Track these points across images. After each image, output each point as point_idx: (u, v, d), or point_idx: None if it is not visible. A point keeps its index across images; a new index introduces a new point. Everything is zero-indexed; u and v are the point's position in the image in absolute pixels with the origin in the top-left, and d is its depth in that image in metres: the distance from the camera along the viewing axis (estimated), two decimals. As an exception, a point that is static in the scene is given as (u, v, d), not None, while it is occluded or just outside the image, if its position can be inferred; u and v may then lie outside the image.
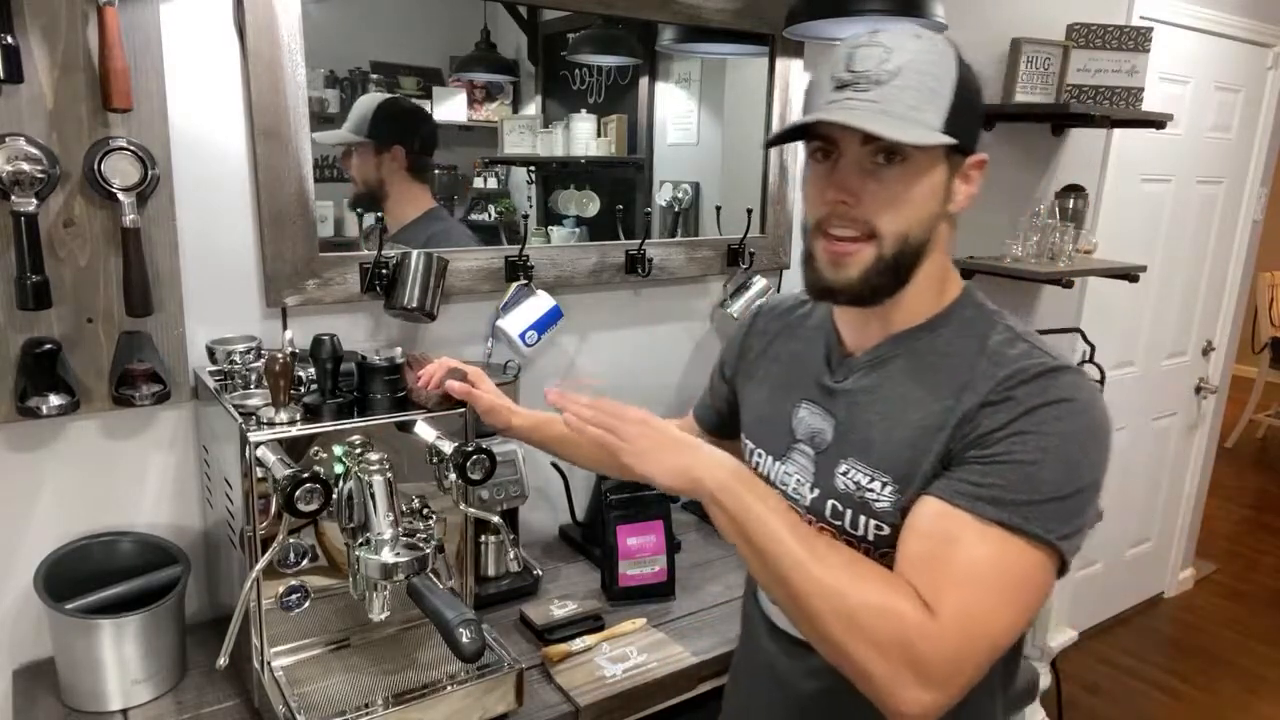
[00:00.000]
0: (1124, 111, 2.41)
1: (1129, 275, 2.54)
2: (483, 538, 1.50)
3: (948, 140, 0.84)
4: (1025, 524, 0.80)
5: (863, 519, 0.93)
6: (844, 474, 0.94)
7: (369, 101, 1.59)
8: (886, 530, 0.90)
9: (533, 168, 1.85)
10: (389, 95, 1.62)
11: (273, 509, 1.08)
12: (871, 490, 0.92)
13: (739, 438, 1.18)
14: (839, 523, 0.96)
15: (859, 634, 0.78)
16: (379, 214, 1.59)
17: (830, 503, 0.96)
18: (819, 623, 0.81)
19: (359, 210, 1.59)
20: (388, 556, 1.06)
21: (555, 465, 1.72)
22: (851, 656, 0.79)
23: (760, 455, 1.07)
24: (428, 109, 1.67)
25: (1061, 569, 0.83)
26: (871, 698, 0.80)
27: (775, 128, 1.90)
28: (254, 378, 1.27)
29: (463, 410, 1.22)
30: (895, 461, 0.90)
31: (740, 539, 0.87)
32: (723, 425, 1.24)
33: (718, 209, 1.92)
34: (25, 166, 1.12)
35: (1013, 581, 0.80)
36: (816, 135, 0.89)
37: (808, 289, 0.96)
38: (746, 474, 0.89)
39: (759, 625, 1.12)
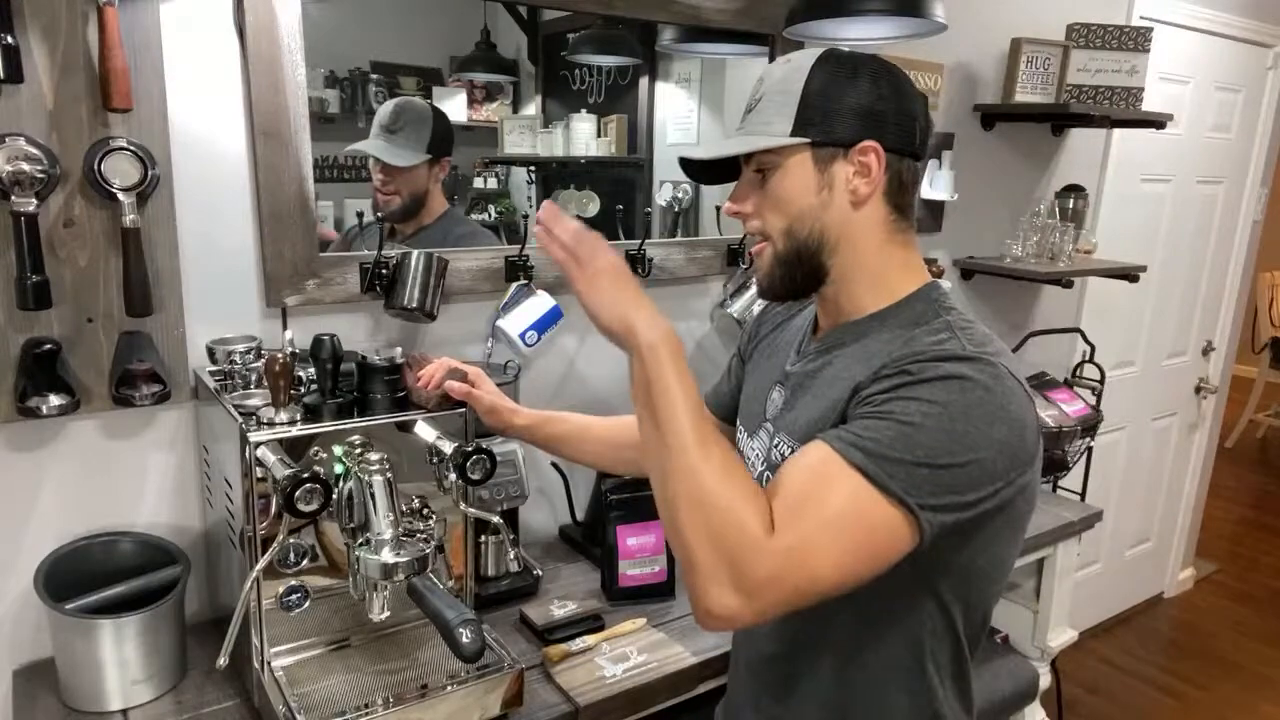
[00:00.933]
0: (1124, 111, 2.41)
1: (1129, 275, 2.54)
2: (483, 538, 1.50)
3: (777, 142, 0.94)
4: (888, 481, 0.82)
5: None
6: (776, 447, 1.03)
7: (422, 112, 1.59)
8: None
9: (533, 168, 1.85)
10: (428, 103, 1.62)
11: (273, 509, 1.08)
12: None
13: None
14: None
15: (701, 524, 0.83)
16: (379, 215, 1.59)
17: (765, 475, 1.05)
18: (673, 502, 0.85)
19: (382, 220, 1.57)
20: (388, 556, 1.06)
21: (555, 465, 1.72)
22: (688, 542, 0.84)
23: (740, 431, 1.16)
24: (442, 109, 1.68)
25: (920, 538, 0.84)
26: (688, 589, 0.85)
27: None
28: (254, 378, 1.27)
29: (463, 410, 1.22)
30: (809, 434, 0.93)
31: (644, 402, 0.89)
32: (729, 411, 1.27)
33: (718, 209, 1.92)
34: (25, 166, 1.12)
35: (855, 528, 0.83)
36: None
37: None
38: (676, 340, 0.90)
39: None
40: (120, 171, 1.20)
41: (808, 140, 0.94)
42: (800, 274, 0.99)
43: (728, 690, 1.23)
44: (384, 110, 1.56)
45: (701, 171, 1.06)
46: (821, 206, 0.96)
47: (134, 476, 1.36)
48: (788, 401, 1.05)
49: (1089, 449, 2.19)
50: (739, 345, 1.30)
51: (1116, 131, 2.72)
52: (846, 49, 0.99)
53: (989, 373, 0.87)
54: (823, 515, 0.83)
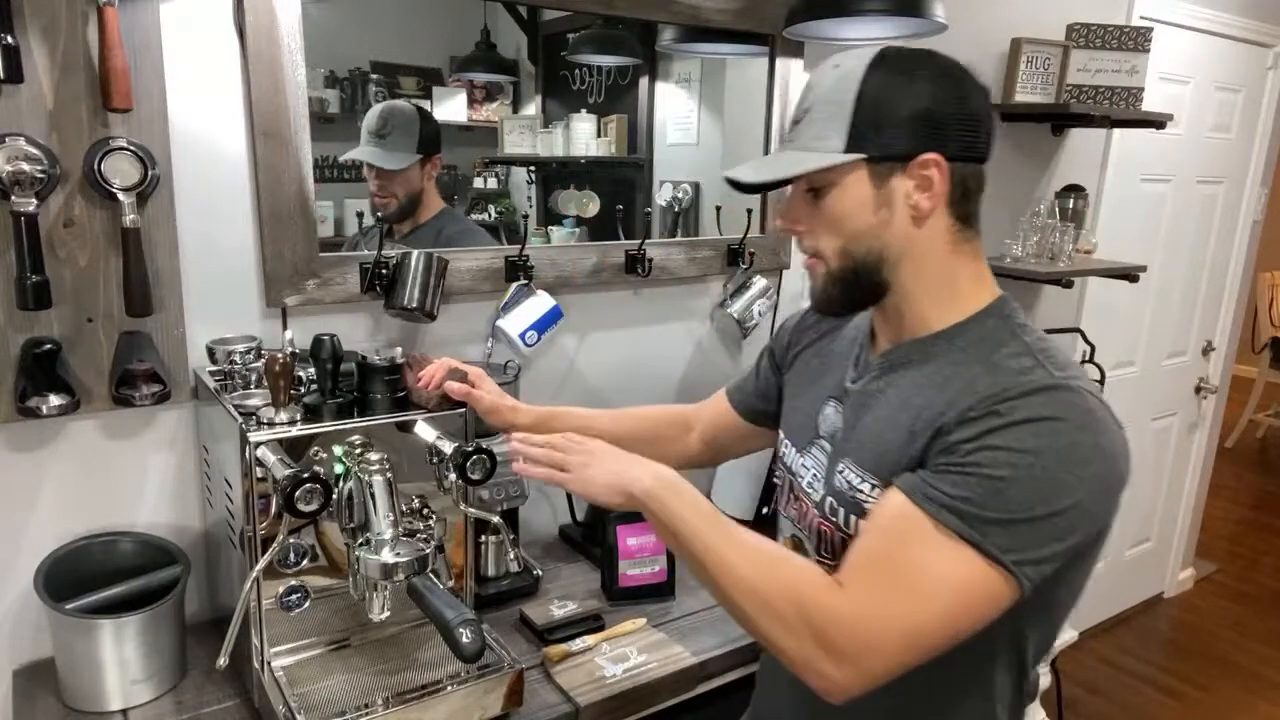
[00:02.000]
0: (1124, 111, 2.41)
1: (1129, 275, 2.54)
2: (483, 538, 1.50)
3: (830, 160, 0.88)
4: (982, 540, 0.79)
5: (853, 519, 0.95)
6: (841, 473, 0.97)
7: (408, 115, 1.61)
8: None
9: (533, 168, 1.85)
10: (412, 104, 1.63)
11: (273, 509, 1.08)
12: (861, 491, 0.94)
13: (770, 428, 1.22)
14: (835, 519, 0.98)
15: (767, 612, 0.83)
16: (379, 215, 1.60)
17: (829, 500, 0.99)
18: (734, 604, 0.86)
19: (382, 221, 1.59)
20: (388, 556, 1.06)
21: (555, 465, 1.72)
22: (766, 635, 0.84)
23: (786, 445, 1.11)
24: (428, 109, 1.68)
25: (1021, 593, 0.80)
26: (798, 676, 0.83)
27: (776, 128, 1.90)
28: (254, 378, 1.27)
29: (463, 410, 1.22)
30: (881, 465, 0.91)
31: (671, 541, 0.93)
32: (755, 412, 1.26)
33: (718, 209, 1.92)
34: (25, 166, 1.12)
35: (952, 594, 0.80)
36: None
37: None
38: (671, 477, 0.95)
39: None
40: (120, 171, 1.20)
41: (863, 156, 0.88)
42: (858, 291, 0.95)
43: (756, 704, 1.22)
44: (371, 117, 1.57)
45: (750, 185, 1.00)
46: (880, 224, 0.90)
47: (134, 476, 1.36)
48: (848, 421, 0.99)
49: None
50: (773, 351, 1.24)
51: (1116, 131, 2.72)
52: (902, 47, 0.91)
53: (1079, 406, 0.82)
54: (917, 582, 0.80)
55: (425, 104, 1.67)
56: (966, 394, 0.85)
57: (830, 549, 1.00)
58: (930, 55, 0.90)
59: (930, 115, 0.87)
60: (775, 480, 1.16)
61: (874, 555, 0.84)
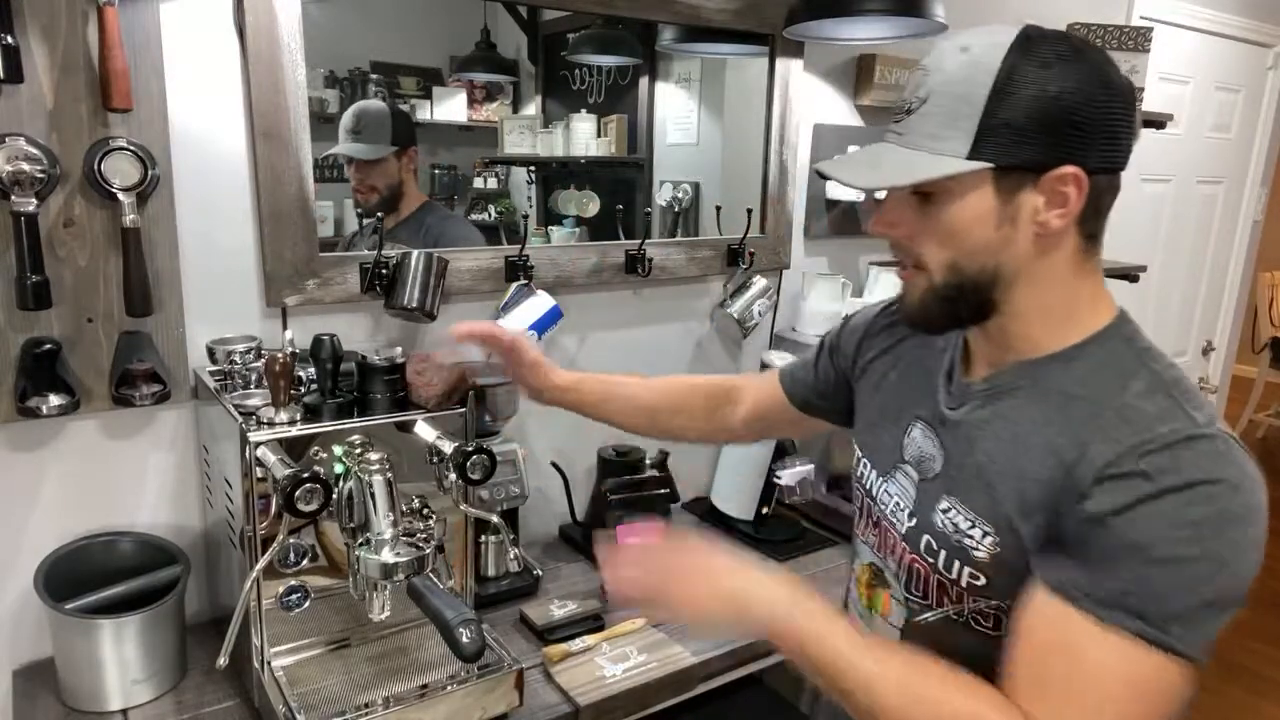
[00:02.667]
0: (1124, 111, 2.40)
1: (1129, 275, 2.54)
2: (483, 538, 1.50)
3: (952, 168, 0.76)
4: (1164, 637, 0.70)
5: (957, 564, 0.85)
6: (944, 512, 0.87)
7: (380, 111, 1.62)
8: (982, 581, 0.84)
9: (533, 168, 1.85)
10: (385, 101, 1.65)
11: (273, 509, 1.08)
12: (971, 537, 0.84)
13: (824, 419, 1.16)
14: (932, 560, 0.88)
15: None
16: (378, 215, 1.60)
17: (926, 538, 0.89)
18: None
19: (364, 215, 1.61)
20: (388, 556, 1.06)
21: (555, 465, 1.72)
22: None
23: (865, 466, 1.02)
24: (430, 112, 1.69)
25: (1198, 670, 0.73)
26: None
27: (775, 128, 1.90)
28: (254, 378, 1.27)
29: (463, 410, 1.22)
30: (999, 513, 0.82)
31: (811, 670, 0.79)
32: (811, 405, 1.18)
33: (718, 209, 1.92)
34: (25, 166, 1.12)
35: (1148, 698, 0.71)
36: None
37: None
38: (802, 596, 0.80)
39: None
40: (120, 171, 1.20)
41: (990, 166, 0.76)
42: (964, 310, 0.83)
43: None
44: (346, 116, 1.59)
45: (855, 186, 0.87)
46: (1001, 242, 0.79)
47: (134, 476, 1.36)
48: (950, 455, 0.88)
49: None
50: (837, 350, 1.13)
51: (1116, 131, 2.71)
52: (1045, 30, 0.77)
53: (1229, 460, 0.73)
54: (1108, 694, 0.71)
55: (425, 104, 1.67)
56: (1101, 443, 0.75)
57: (922, 588, 0.91)
58: (1073, 42, 0.76)
59: (1073, 120, 0.75)
60: (852, 496, 1.07)
61: (1047, 675, 0.73)
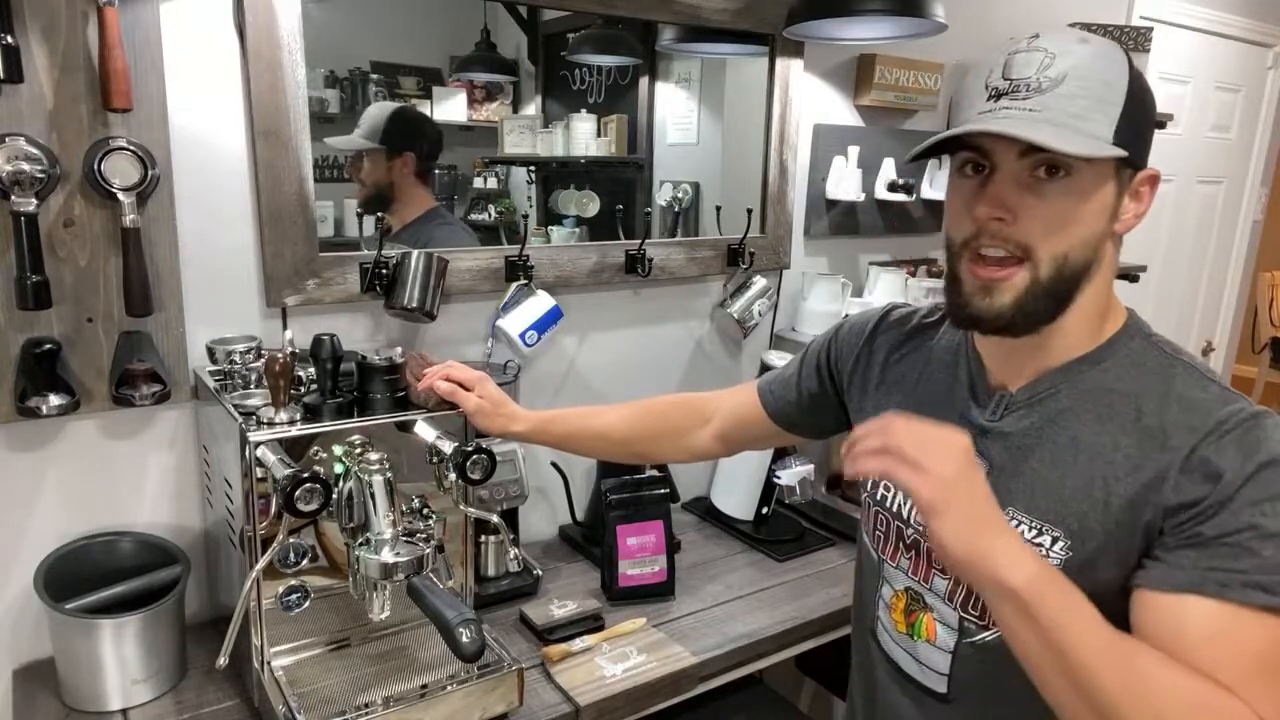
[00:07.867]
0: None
1: (1129, 275, 2.54)
2: (483, 538, 1.50)
3: (1118, 152, 0.76)
4: None
5: None
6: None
7: (381, 110, 1.61)
8: None
9: (533, 168, 1.85)
10: (400, 104, 1.64)
11: (273, 509, 1.08)
12: (1039, 546, 0.83)
13: (804, 436, 1.14)
14: None
15: None
16: (380, 214, 1.60)
17: None
18: None
19: (360, 212, 1.61)
20: (388, 556, 1.06)
21: (555, 465, 1.72)
22: None
23: (887, 489, 0.99)
24: (429, 112, 1.68)
25: None
26: None
27: (775, 128, 1.90)
28: (254, 378, 1.27)
29: (462, 410, 1.22)
30: (1067, 514, 0.81)
31: (1038, 650, 0.71)
32: (790, 419, 1.17)
33: (718, 209, 1.92)
34: (25, 166, 1.12)
35: None
36: (967, 147, 0.82)
37: (951, 317, 0.89)
38: (1048, 572, 0.72)
39: (879, 666, 1.04)
40: (120, 171, 1.20)
41: (1125, 154, 0.76)
42: (1050, 309, 0.82)
43: None
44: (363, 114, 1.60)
45: (935, 147, 0.82)
46: (1103, 237, 0.81)
47: (134, 476, 1.36)
48: (997, 465, 0.87)
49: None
50: (827, 357, 1.12)
51: (1116, 131, 2.71)
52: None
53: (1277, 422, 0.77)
54: (1273, 669, 0.71)
55: (425, 104, 1.67)
56: (1180, 434, 0.77)
57: (979, 606, 0.90)
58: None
59: (1153, 126, 0.80)
60: (867, 520, 1.03)
61: (1215, 670, 0.70)
